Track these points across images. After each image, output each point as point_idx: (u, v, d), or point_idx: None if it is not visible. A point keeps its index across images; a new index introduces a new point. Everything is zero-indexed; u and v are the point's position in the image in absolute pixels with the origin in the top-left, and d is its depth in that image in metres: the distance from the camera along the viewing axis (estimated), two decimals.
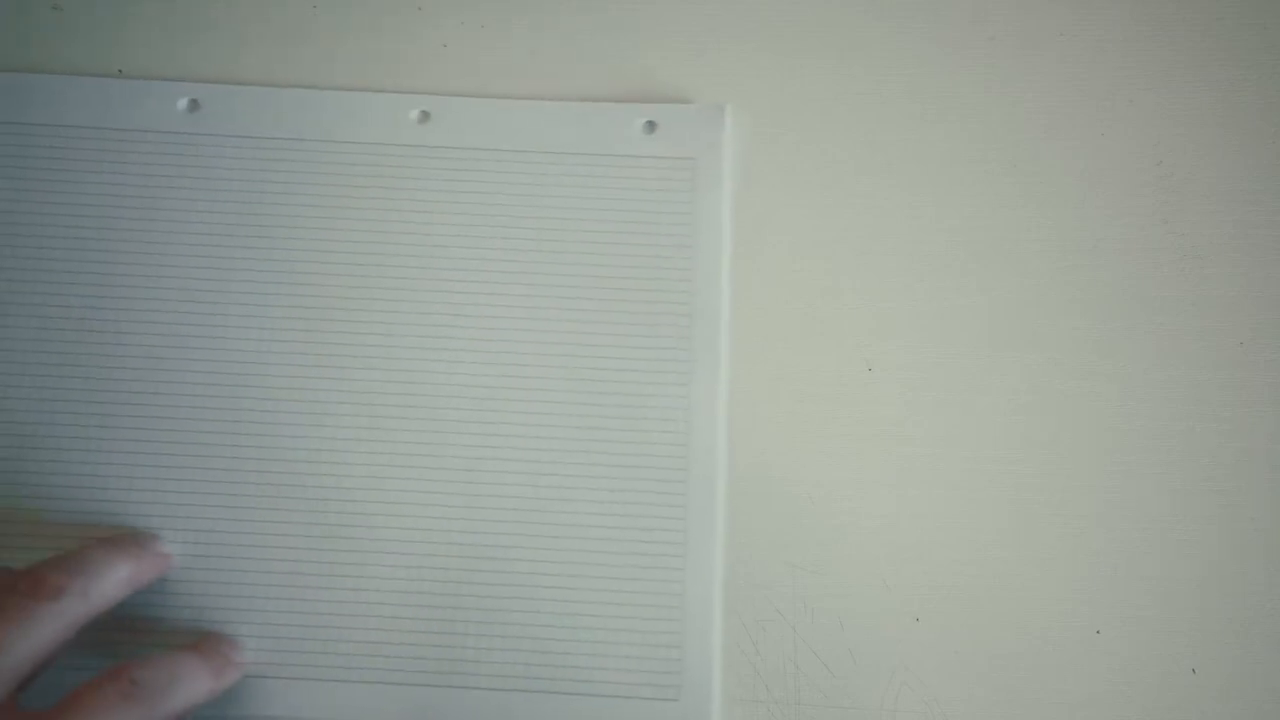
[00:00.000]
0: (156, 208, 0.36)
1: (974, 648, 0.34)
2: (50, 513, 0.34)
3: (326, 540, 0.34)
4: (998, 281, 0.36)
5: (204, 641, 0.32)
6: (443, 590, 0.34)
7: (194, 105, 0.37)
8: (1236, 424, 0.35)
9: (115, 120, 0.37)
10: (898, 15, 0.39)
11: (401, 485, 0.34)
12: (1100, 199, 0.37)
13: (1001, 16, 0.39)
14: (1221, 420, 0.35)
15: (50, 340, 0.35)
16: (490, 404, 0.35)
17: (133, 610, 0.33)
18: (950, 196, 0.37)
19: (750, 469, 0.35)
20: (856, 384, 0.36)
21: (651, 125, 0.37)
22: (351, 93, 0.37)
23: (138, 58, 0.38)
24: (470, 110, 0.37)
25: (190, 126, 0.37)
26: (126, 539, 0.33)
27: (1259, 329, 0.36)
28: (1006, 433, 0.35)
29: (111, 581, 0.31)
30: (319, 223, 0.36)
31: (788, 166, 0.37)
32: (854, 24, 0.39)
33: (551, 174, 0.37)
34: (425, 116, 0.37)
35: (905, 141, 0.37)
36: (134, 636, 0.33)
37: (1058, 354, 0.36)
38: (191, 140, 0.37)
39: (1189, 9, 0.39)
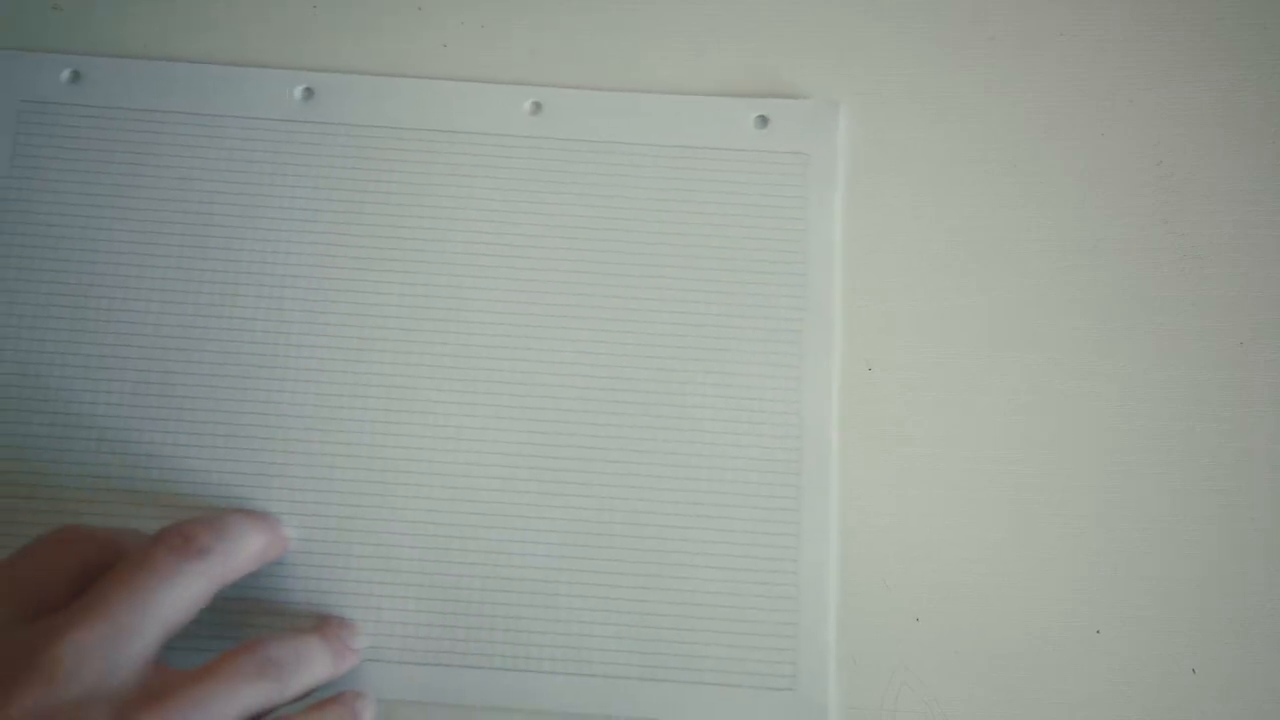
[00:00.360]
0: (269, 194, 0.36)
1: (974, 648, 0.34)
2: (167, 494, 0.34)
3: (440, 526, 0.34)
4: (998, 281, 0.36)
5: (326, 625, 0.32)
6: (555, 577, 0.34)
7: (308, 94, 0.37)
8: (1236, 424, 0.35)
9: (231, 108, 0.37)
10: (897, 15, 0.39)
11: (515, 474, 0.34)
12: (1100, 199, 0.37)
13: (1001, 16, 0.39)
14: (1221, 420, 0.35)
15: (161, 323, 0.35)
16: (605, 395, 0.35)
17: (247, 590, 0.33)
18: (950, 196, 0.37)
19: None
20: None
21: (763, 120, 0.37)
22: (466, 83, 0.38)
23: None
24: (582, 102, 0.37)
25: (304, 114, 0.37)
26: (258, 513, 0.33)
27: (1259, 329, 0.36)
28: (1006, 433, 0.35)
29: (248, 550, 0.31)
30: (431, 212, 0.36)
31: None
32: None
33: (662, 166, 0.37)
34: (537, 108, 0.37)
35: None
36: (243, 618, 0.33)
37: (1058, 354, 0.36)
38: (305, 128, 0.37)
39: (1189, 9, 0.39)
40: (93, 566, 0.29)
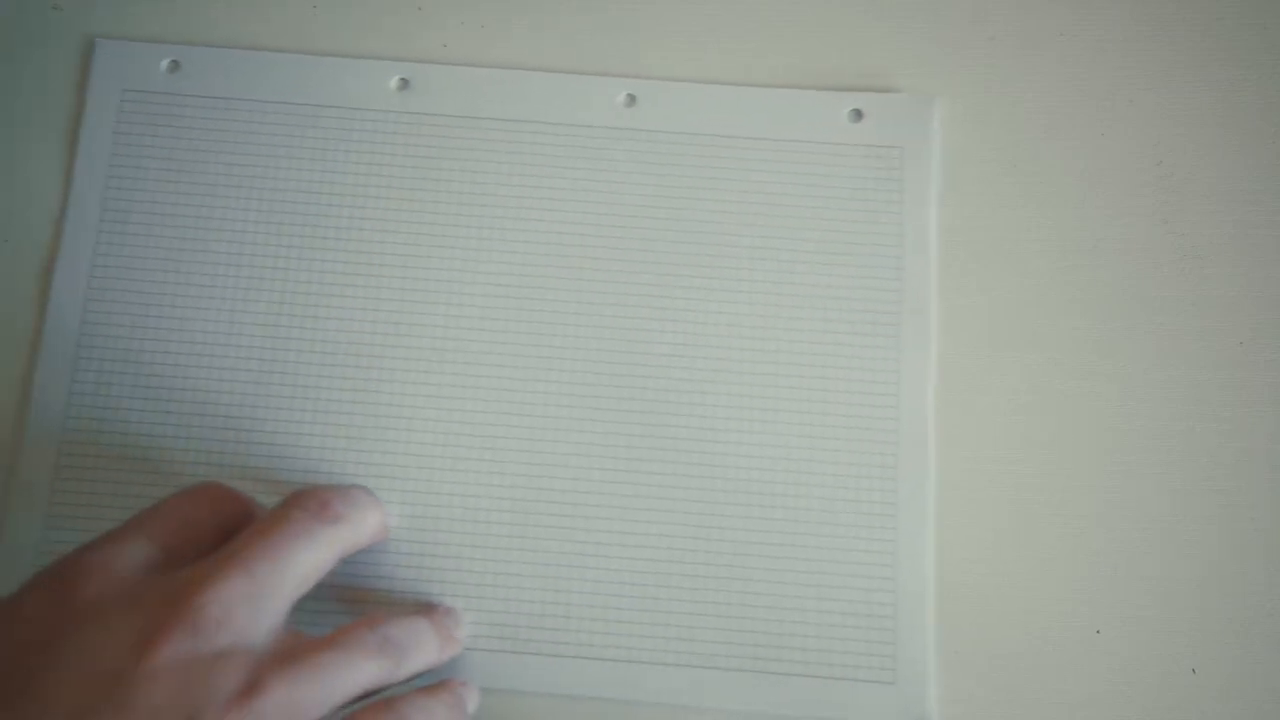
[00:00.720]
0: (366, 184, 0.37)
1: (974, 648, 0.34)
2: (268, 474, 0.34)
3: (538, 517, 0.34)
4: (998, 281, 0.36)
5: (433, 612, 0.33)
6: (655, 569, 0.34)
7: (404, 84, 0.37)
8: (1236, 424, 0.35)
9: (328, 97, 0.37)
10: (897, 15, 0.39)
11: (615, 467, 0.34)
12: (1100, 199, 0.37)
13: (1001, 16, 0.39)
14: (1221, 420, 0.35)
15: (259, 309, 0.35)
16: (703, 389, 0.35)
17: (349, 571, 0.33)
18: (950, 196, 0.37)
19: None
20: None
21: (858, 114, 0.37)
22: (561, 75, 0.38)
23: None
24: (675, 94, 0.38)
25: (400, 105, 0.37)
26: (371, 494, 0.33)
27: (1259, 329, 0.36)
28: (1006, 433, 0.35)
29: (370, 525, 0.31)
30: (526, 203, 0.36)
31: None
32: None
33: (755, 160, 0.37)
34: (631, 100, 0.37)
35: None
36: (338, 605, 0.33)
37: (1058, 354, 0.36)
38: (402, 118, 0.37)
39: (1189, 9, 0.39)
40: (230, 524, 0.29)
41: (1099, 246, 0.37)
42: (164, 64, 0.38)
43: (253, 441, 0.35)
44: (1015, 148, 0.37)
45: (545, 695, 0.33)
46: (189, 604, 0.26)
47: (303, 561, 0.28)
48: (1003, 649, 0.34)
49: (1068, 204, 0.37)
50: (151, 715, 0.24)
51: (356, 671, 0.28)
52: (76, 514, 0.34)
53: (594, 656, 0.33)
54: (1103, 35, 0.38)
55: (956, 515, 0.35)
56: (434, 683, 0.31)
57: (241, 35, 0.38)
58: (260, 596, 0.27)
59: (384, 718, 0.28)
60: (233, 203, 0.36)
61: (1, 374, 0.35)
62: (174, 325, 0.35)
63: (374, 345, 0.35)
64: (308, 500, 0.30)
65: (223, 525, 0.29)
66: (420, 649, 0.30)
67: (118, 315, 0.35)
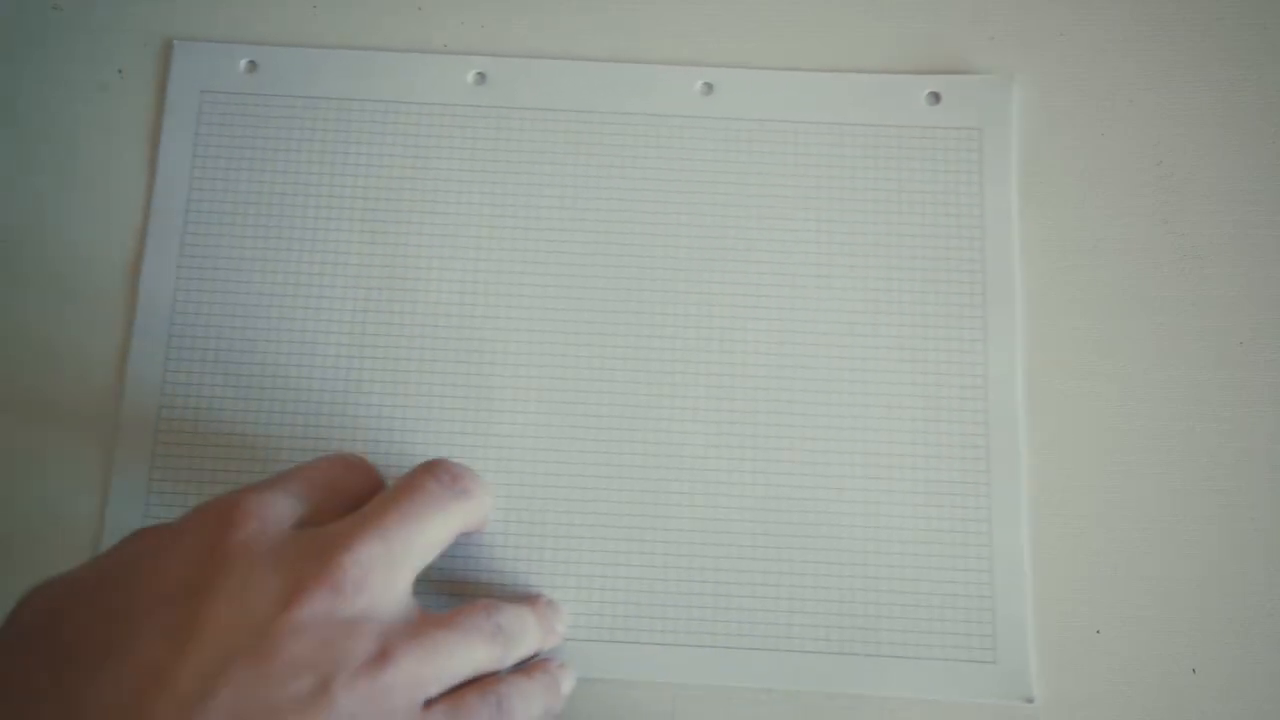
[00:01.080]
0: (446, 178, 0.37)
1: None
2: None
3: (639, 505, 0.34)
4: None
5: (537, 603, 0.33)
6: (753, 555, 0.34)
7: (480, 78, 0.38)
8: (1236, 424, 0.35)
9: (404, 93, 0.38)
10: (897, 15, 0.39)
11: (713, 454, 0.35)
12: (1100, 199, 0.37)
13: (1001, 16, 0.39)
14: (1221, 420, 0.35)
15: (345, 305, 0.36)
16: (794, 374, 0.35)
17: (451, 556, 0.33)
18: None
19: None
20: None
21: (935, 96, 0.37)
22: (637, 65, 0.38)
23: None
24: (753, 82, 0.38)
25: (477, 99, 0.38)
26: None
27: (1259, 329, 0.36)
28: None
29: (486, 506, 0.31)
30: (608, 193, 0.37)
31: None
32: None
33: (833, 145, 0.37)
34: (709, 89, 0.38)
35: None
36: (427, 587, 0.33)
37: (1058, 354, 0.36)
38: (479, 112, 0.37)
39: (1189, 9, 0.39)
40: (365, 494, 0.30)
41: (1099, 246, 0.37)
42: (242, 64, 0.38)
43: (339, 427, 0.35)
44: (1015, 147, 0.37)
45: (646, 683, 0.33)
46: (333, 562, 0.26)
47: (432, 531, 0.29)
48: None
49: (1068, 204, 0.37)
50: (288, 669, 0.25)
51: (472, 655, 0.28)
52: (173, 503, 0.34)
53: (695, 644, 0.33)
54: (1103, 35, 0.38)
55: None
56: (532, 663, 0.31)
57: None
58: (394, 563, 0.27)
59: (485, 698, 0.28)
60: (312, 198, 0.37)
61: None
62: (259, 317, 0.36)
63: (459, 336, 0.36)
64: (441, 471, 0.30)
65: (359, 493, 0.30)
66: (526, 639, 0.30)
67: (205, 308, 0.36)
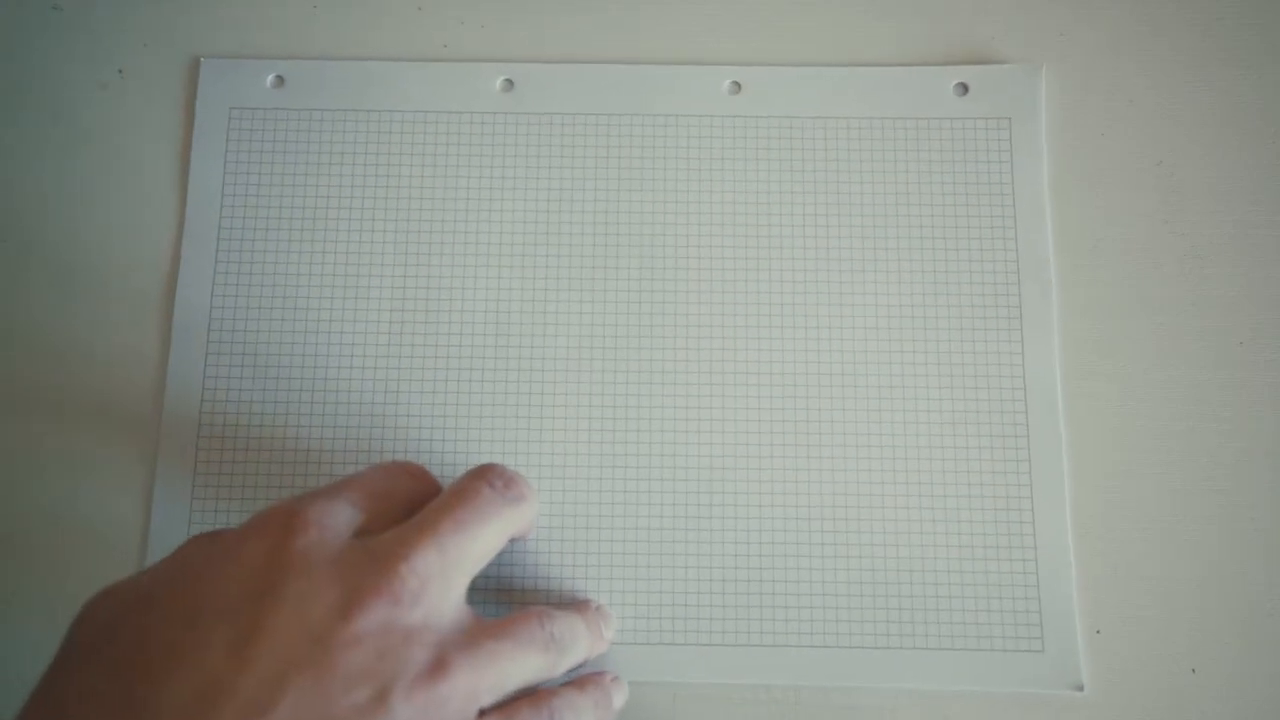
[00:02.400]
0: (478, 186, 0.37)
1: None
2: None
3: (682, 507, 0.34)
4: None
5: (587, 610, 0.33)
6: (800, 552, 0.34)
7: (508, 85, 0.38)
8: (1236, 424, 0.35)
9: (432, 102, 0.38)
10: (898, 14, 0.39)
11: (754, 453, 0.35)
12: (1100, 199, 0.37)
13: (1001, 16, 0.39)
14: (1221, 420, 0.35)
15: (381, 315, 0.36)
16: (833, 370, 0.35)
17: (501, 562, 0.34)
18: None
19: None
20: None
21: (963, 87, 0.38)
22: (662, 66, 0.38)
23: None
24: (780, 79, 0.38)
25: (505, 106, 0.38)
26: None
27: (1259, 329, 0.36)
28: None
29: (534, 512, 0.31)
30: (642, 195, 0.37)
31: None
32: None
33: (864, 139, 0.37)
34: (737, 87, 0.38)
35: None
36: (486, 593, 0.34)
37: (1058, 354, 0.36)
38: (508, 119, 0.38)
39: (1189, 9, 0.39)
40: (419, 501, 0.30)
41: (1099, 246, 0.37)
42: (269, 79, 0.38)
43: (378, 435, 0.35)
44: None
45: (697, 684, 0.33)
46: (391, 573, 0.27)
47: (486, 538, 0.29)
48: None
49: (1068, 204, 0.37)
50: (346, 680, 0.25)
51: (526, 665, 0.28)
52: (216, 508, 0.35)
53: (746, 644, 0.33)
54: (1103, 35, 0.38)
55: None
56: (584, 675, 0.31)
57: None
58: (449, 572, 0.28)
59: (538, 711, 0.28)
60: (345, 208, 0.37)
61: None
62: (295, 326, 0.36)
63: (497, 343, 0.36)
64: (494, 477, 0.30)
65: (416, 500, 0.30)
66: (576, 648, 0.31)
67: (241, 316, 0.36)
